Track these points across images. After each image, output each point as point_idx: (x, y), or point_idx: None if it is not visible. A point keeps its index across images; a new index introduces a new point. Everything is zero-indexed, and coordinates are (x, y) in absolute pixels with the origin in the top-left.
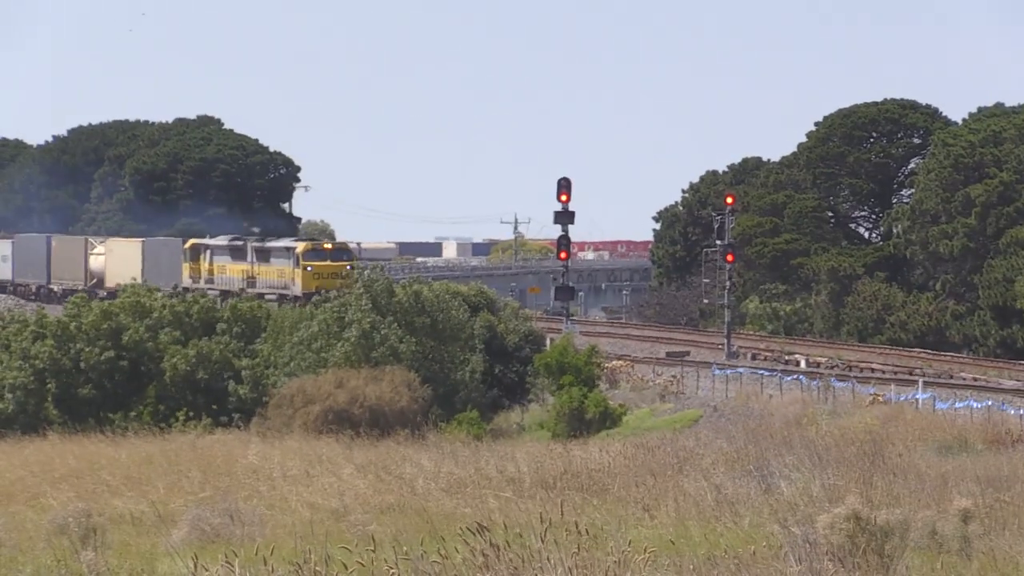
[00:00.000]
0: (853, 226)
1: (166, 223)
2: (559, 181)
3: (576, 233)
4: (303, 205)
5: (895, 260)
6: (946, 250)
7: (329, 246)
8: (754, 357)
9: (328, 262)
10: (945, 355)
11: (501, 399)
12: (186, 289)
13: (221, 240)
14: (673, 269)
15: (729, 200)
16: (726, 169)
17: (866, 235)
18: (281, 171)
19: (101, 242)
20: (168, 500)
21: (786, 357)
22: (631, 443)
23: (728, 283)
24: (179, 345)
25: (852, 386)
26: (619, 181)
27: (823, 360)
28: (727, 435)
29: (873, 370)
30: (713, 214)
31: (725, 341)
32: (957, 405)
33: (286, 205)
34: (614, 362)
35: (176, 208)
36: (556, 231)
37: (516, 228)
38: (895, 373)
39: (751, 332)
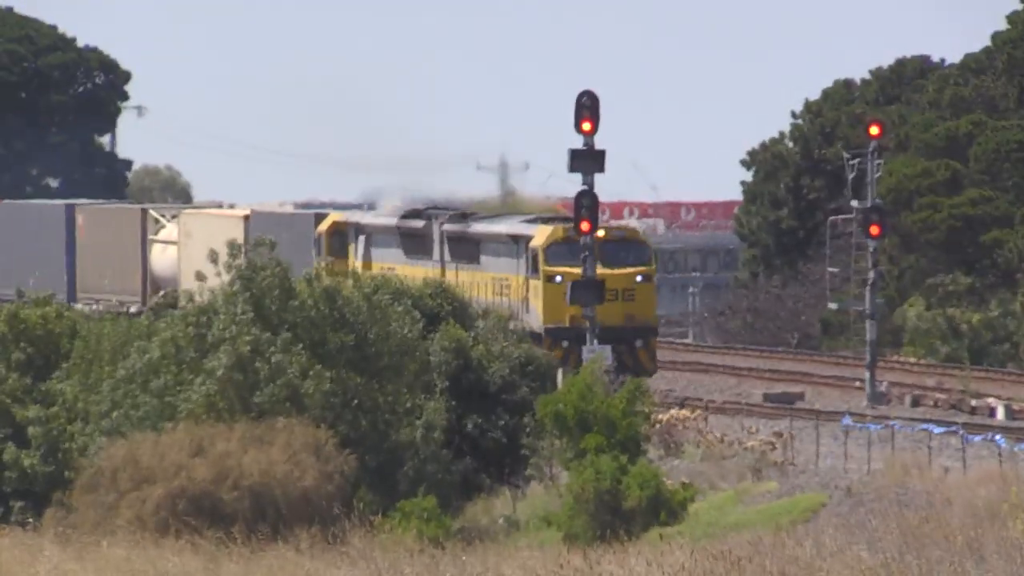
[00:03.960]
0: None
1: None
2: (580, 99)
3: (608, 188)
4: (135, 139)
5: None
6: None
7: (601, 233)
8: (917, 403)
9: (598, 267)
10: None
11: (478, 475)
12: None
13: (385, 215)
14: (776, 250)
15: (874, 131)
16: (867, 77)
17: None
18: (97, 80)
19: (171, 216)
20: None
21: (973, 402)
22: (703, 553)
23: (872, 274)
24: None
25: None
26: (680, 98)
27: None
28: (870, 538)
29: None
30: (846, 155)
31: (867, 375)
32: None
33: (105, 138)
34: (673, 411)
35: None
36: (574, 184)
37: (505, 179)
38: None
39: (912, 359)
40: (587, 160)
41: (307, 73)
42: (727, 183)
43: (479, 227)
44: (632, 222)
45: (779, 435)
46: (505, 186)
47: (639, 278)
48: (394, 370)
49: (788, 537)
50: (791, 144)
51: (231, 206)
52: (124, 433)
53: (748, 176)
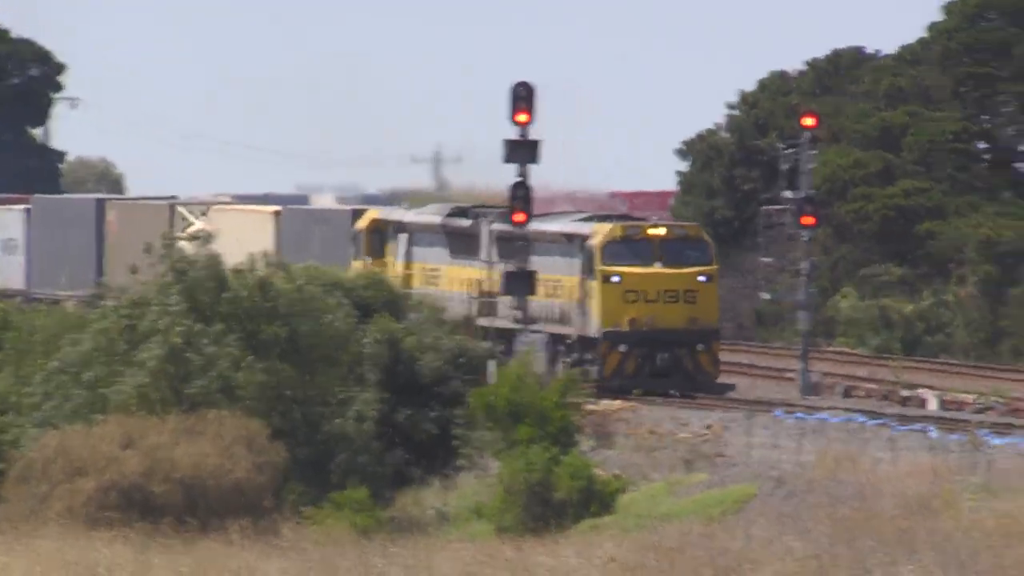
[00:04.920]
0: (1023, 167)
1: None
2: (514, 89)
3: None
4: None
5: None
6: None
7: (662, 231)
8: (849, 394)
9: (659, 267)
10: None
11: (409, 467)
12: None
13: (430, 214)
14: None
15: (809, 121)
16: (803, 68)
17: None
18: (31, 72)
19: (200, 212)
20: None
21: (905, 393)
22: (635, 544)
23: (806, 264)
24: None
25: (1019, 444)
26: (615, 88)
27: (969, 399)
28: (801, 529)
29: None
30: (780, 146)
31: (799, 365)
32: None
33: (39, 130)
34: (606, 402)
35: None
36: (508, 175)
37: (438, 170)
38: None
39: (844, 349)
40: (522, 151)
41: (243, 66)
42: (662, 173)
43: (531, 225)
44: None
45: (711, 426)
46: (439, 178)
47: (701, 278)
48: (327, 362)
49: (719, 528)
50: (726, 135)
51: (171, 200)
52: (56, 425)
53: (683, 166)
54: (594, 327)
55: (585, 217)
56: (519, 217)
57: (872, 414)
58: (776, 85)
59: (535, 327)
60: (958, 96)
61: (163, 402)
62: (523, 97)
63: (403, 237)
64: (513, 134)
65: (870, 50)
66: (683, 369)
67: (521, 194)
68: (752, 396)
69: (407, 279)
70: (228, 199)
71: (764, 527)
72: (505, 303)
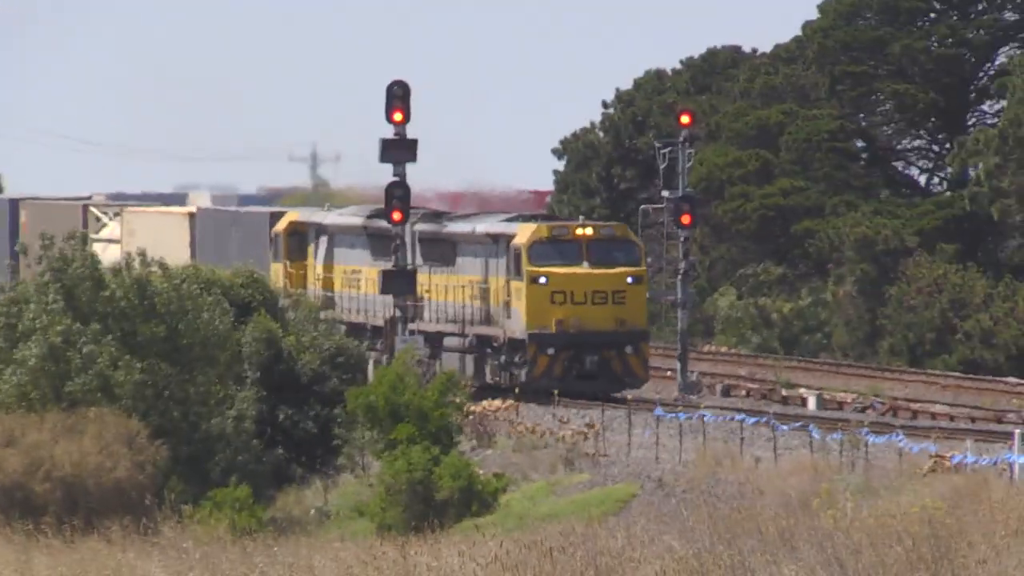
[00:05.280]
0: (900, 165)
1: None
2: (390, 88)
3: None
4: None
5: (973, 224)
6: None
7: (589, 231)
8: (728, 392)
9: (586, 267)
10: None
11: (290, 466)
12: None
13: (351, 215)
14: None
15: (685, 120)
16: (679, 66)
17: (923, 181)
18: None
19: (113, 213)
20: None
21: (784, 392)
22: (516, 544)
23: (684, 263)
24: None
25: (899, 443)
26: (491, 87)
27: (848, 398)
28: (682, 528)
29: (935, 415)
30: (657, 144)
31: (678, 364)
32: None
33: None
34: (486, 402)
35: None
36: (385, 175)
37: (315, 169)
38: (972, 420)
39: (723, 348)
40: (399, 150)
41: (121, 63)
42: (538, 172)
43: (454, 227)
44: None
45: (591, 426)
46: (316, 177)
47: (630, 279)
48: (205, 360)
49: (600, 527)
50: (602, 134)
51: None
52: None
53: (560, 165)
54: (520, 329)
55: (510, 217)
56: (396, 216)
57: (752, 413)
58: (652, 84)
59: (450, 339)
60: (835, 94)
61: (43, 400)
62: (399, 96)
63: (323, 239)
64: (389, 132)
65: (747, 49)
66: (612, 372)
67: (398, 194)
68: (633, 394)
69: (328, 282)
70: (103, 198)
71: (645, 526)
72: (432, 307)
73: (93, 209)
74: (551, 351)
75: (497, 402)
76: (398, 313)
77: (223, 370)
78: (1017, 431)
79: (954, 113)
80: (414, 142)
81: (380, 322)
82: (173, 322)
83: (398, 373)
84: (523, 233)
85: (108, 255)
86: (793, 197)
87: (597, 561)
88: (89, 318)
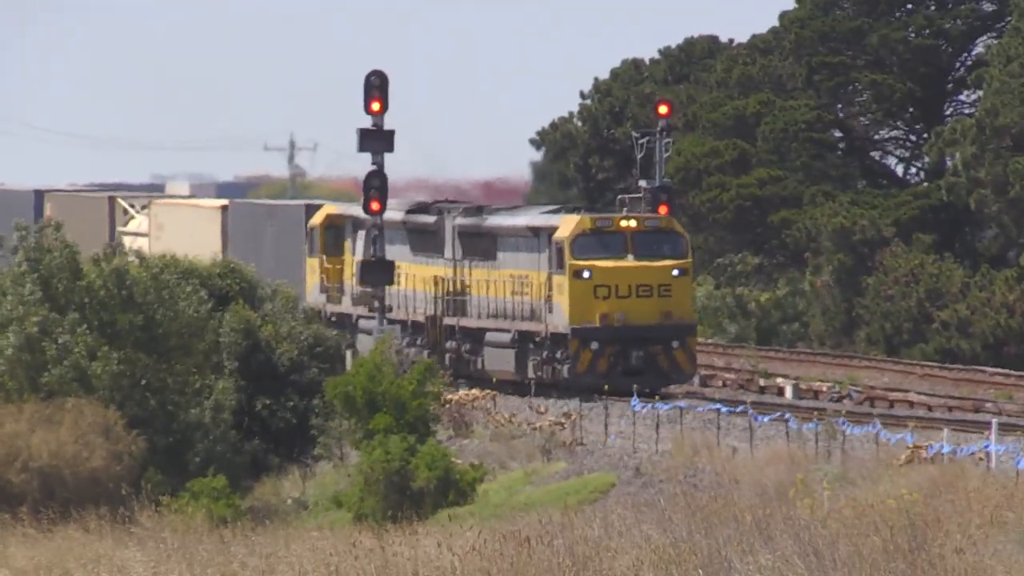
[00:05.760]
0: (877, 155)
1: None
2: (368, 78)
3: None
4: None
5: (950, 214)
6: None
7: (634, 223)
8: (705, 383)
9: (631, 260)
10: None
11: (267, 456)
12: (317, 318)
13: (389, 209)
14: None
15: (663, 110)
16: (657, 57)
17: (900, 171)
18: None
19: (141, 206)
20: None
21: (762, 382)
22: (493, 532)
23: None
24: None
25: (875, 432)
26: (468, 77)
27: (824, 387)
28: (658, 517)
29: (912, 404)
30: (634, 134)
31: None
32: None
33: None
34: (463, 392)
35: None
36: (363, 164)
37: (292, 159)
38: (949, 410)
39: (700, 338)
40: (376, 140)
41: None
42: (516, 162)
43: (495, 220)
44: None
45: (568, 415)
46: (293, 166)
47: (675, 272)
48: (183, 350)
49: (577, 517)
50: (580, 124)
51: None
52: None
53: (537, 156)
54: (563, 323)
55: (552, 209)
56: (374, 207)
57: (729, 403)
58: (629, 74)
59: (495, 334)
60: (812, 85)
61: (20, 390)
62: (377, 86)
63: (361, 234)
64: (368, 123)
65: (724, 39)
66: (658, 367)
67: (376, 183)
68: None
69: None
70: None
71: (622, 516)
72: (473, 302)
73: (120, 201)
74: (595, 346)
75: (474, 391)
76: (375, 302)
77: (201, 360)
78: (994, 421)
79: (931, 103)
80: (391, 132)
81: (421, 318)
82: (150, 312)
83: (376, 363)
84: (565, 226)
85: (136, 249)
86: (770, 187)
87: (574, 551)
88: (66, 308)
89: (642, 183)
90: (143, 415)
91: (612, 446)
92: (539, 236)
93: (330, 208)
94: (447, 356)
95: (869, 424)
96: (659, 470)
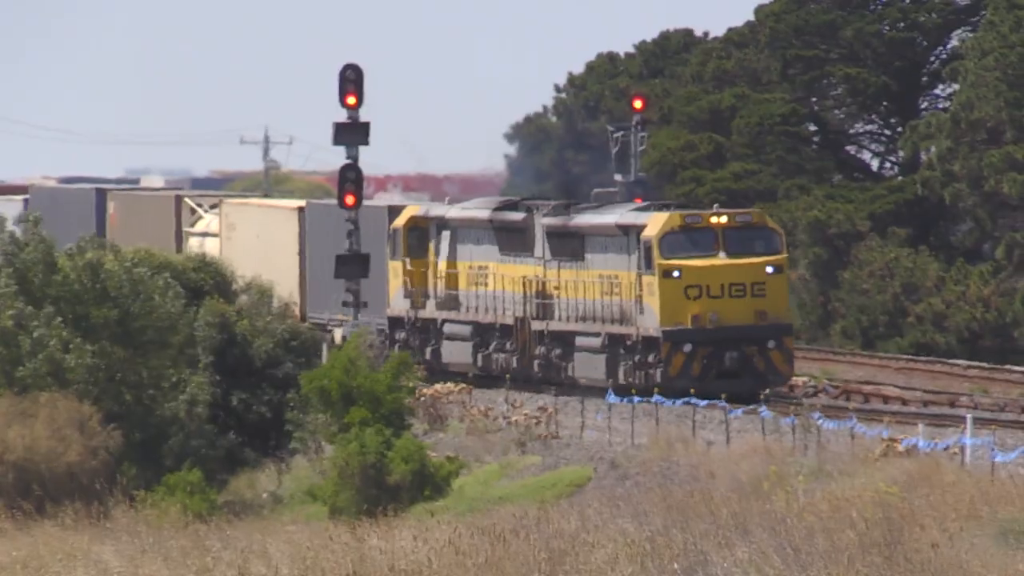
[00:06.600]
0: (852, 149)
1: None
2: (343, 72)
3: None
4: None
5: (925, 208)
6: (1014, 190)
7: (724, 219)
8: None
9: (723, 258)
10: (1012, 371)
11: (243, 450)
12: (399, 324)
13: (475, 207)
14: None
15: (638, 104)
16: (632, 51)
17: (875, 165)
18: None
19: (209, 205)
20: None
21: None
22: (468, 526)
23: None
24: None
25: (851, 427)
26: (444, 71)
27: (800, 381)
28: (634, 510)
29: (887, 399)
30: (610, 128)
31: None
32: None
33: None
34: (438, 386)
35: None
36: (338, 158)
37: (268, 153)
38: (925, 404)
39: None
40: (352, 133)
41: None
42: (492, 156)
43: (582, 218)
44: (396, 196)
45: (544, 409)
46: (268, 160)
47: (769, 269)
48: (158, 344)
49: (553, 511)
50: (555, 117)
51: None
52: None
53: (512, 149)
54: (654, 325)
55: (641, 207)
56: (349, 200)
57: (705, 398)
58: (604, 68)
59: (584, 338)
60: (787, 78)
61: None
62: (352, 80)
63: (446, 234)
64: (343, 117)
65: (699, 33)
66: (754, 369)
67: (351, 176)
68: (585, 380)
69: (452, 279)
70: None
71: (598, 510)
72: (562, 305)
73: (188, 200)
74: (687, 349)
75: (449, 385)
76: (349, 297)
77: (176, 354)
78: (969, 415)
79: (906, 97)
80: (367, 125)
81: (510, 320)
82: (125, 305)
83: (350, 357)
84: (654, 224)
85: (205, 249)
86: (745, 181)
87: (550, 544)
88: (42, 302)
89: (617, 177)
90: (118, 409)
91: (588, 439)
92: (628, 235)
93: (413, 209)
94: (535, 361)
95: (845, 418)
96: (635, 464)
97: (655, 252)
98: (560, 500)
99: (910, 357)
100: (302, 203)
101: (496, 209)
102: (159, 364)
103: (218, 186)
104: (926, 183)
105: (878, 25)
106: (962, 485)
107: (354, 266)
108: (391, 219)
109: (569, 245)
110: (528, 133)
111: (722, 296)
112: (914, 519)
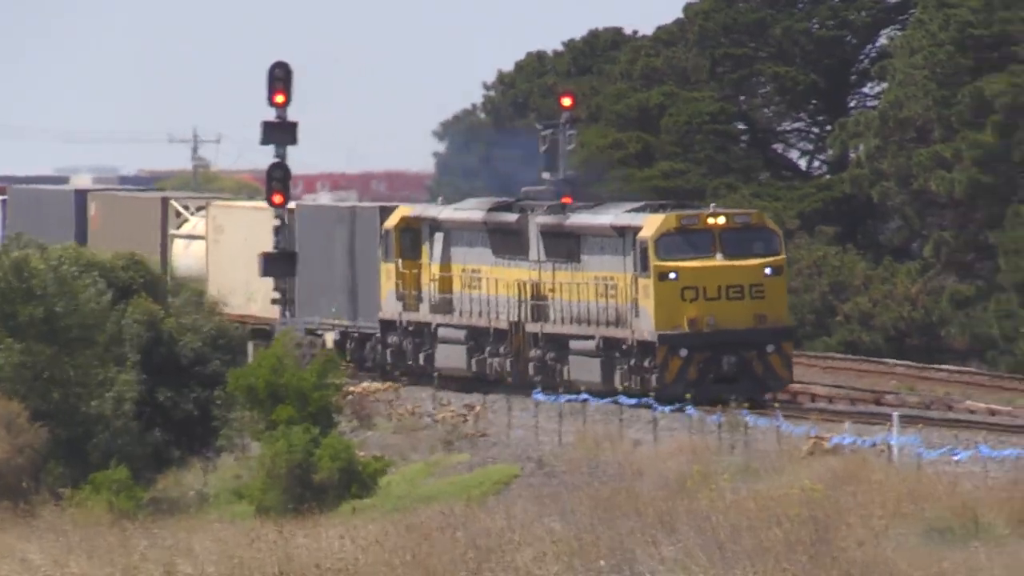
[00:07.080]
0: (780, 148)
1: None
2: (272, 70)
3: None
4: None
5: (853, 207)
6: (942, 188)
7: (722, 219)
8: None
9: (720, 259)
10: (939, 370)
11: (169, 448)
12: (391, 328)
13: (469, 209)
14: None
15: (567, 102)
16: (560, 48)
17: (803, 164)
18: None
19: (195, 207)
20: None
21: None
22: (395, 524)
23: None
24: None
25: (777, 424)
26: (372, 68)
27: None
28: (561, 509)
29: (814, 397)
30: (538, 126)
31: None
32: (958, 456)
33: None
34: (365, 384)
35: None
36: (266, 157)
37: (196, 152)
38: (852, 402)
39: None
40: (280, 132)
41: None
42: (419, 154)
43: (578, 218)
44: (324, 194)
45: (471, 407)
46: (196, 159)
47: (768, 271)
48: (84, 342)
49: (480, 509)
50: (484, 114)
51: None
52: None
53: (442, 147)
54: (649, 329)
55: (637, 207)
56: (276, 199)
57: (633, 396)
58: (533, 66)
59: (577, 341)
60: (715, 77)
61: None
62: (280, 78)
63: (439, 236)
64: (271, 115)
65: (628, 31)
66: (752, 374)
67: (278, 175)
68: (511, 378)
69: (445, 282)
70: None
71: (525, 507)
72: (557, 307)
73: (174, 202)
74: (684, 353)
75: (376, 384)
76: (277, 295)
77: (102, 352)
78: (895, 413)
79: (835, 95)
80: (295, 124)
81: (505, 325)
82: (51, 303)
83: (278, 355)
84: (650, 225)
85: (191, 252)
86: (674, 179)
87: (477, 542)
88: None
89: (546, 175)
90: (45, 407)
91: (515, 438)
92: (624, 236)
93: (405, 210)
94: (530, 365)
95: (771, 416)
96: (562, 462)
97: (651, 253)
98: (487, 498)
99: (838, 355)
100: (292, 205)
101: (490, 210)
102: (86, 362)
103: (147, 185)
104: (854, 181)
105: (807, 23)
106: (889, 483)
107: (282, 264)
108: (383, 220)
109: (564, 246)
110: (456, 131)
111: (719, 298)
112: (841, 517)
